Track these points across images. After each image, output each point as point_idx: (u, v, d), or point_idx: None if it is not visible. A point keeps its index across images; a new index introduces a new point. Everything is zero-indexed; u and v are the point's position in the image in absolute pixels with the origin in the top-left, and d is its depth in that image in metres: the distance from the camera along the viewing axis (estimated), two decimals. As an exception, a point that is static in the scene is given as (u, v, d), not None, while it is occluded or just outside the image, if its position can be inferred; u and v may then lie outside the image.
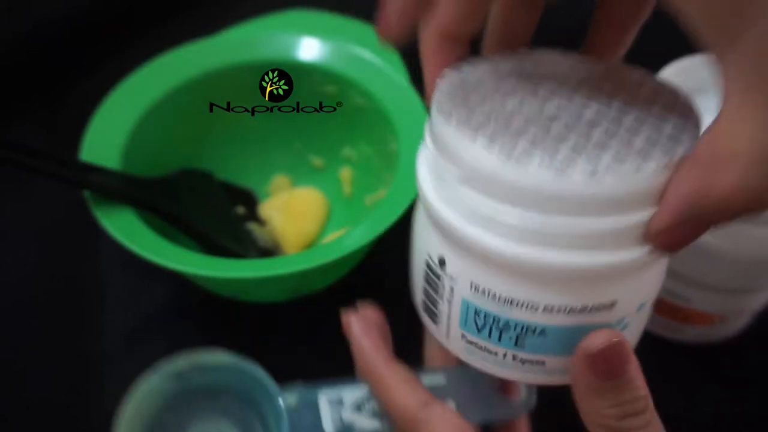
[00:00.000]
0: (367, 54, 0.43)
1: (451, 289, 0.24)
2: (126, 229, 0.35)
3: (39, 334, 0.41)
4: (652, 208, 0.20)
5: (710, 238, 0.34)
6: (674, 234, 0.19)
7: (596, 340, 0.21)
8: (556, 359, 0.24)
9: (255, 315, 0.41)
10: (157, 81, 0.42)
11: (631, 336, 0.24)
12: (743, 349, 0.40)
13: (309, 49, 0.43)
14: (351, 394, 0.28)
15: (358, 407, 0.27)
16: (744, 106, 0.17)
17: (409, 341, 0.33)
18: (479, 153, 0.20)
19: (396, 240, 0.35)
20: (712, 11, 0.16)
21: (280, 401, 0.27)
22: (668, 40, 0.36)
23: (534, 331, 0.23)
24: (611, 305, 0.22)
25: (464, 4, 0.22)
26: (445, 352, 0.27)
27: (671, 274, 0.37)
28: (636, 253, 0.21)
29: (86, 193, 0.36)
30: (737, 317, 0.39)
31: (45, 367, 0.40)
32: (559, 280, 0.22)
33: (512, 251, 0.21)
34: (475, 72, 0.24)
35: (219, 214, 0.43)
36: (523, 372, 0.25)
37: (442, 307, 0.25)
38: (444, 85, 0.23)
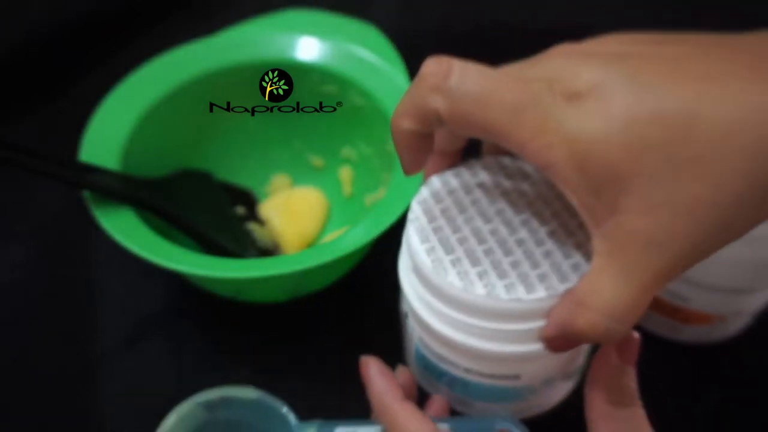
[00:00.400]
0: (366, 54, 0.43)
1: (411, 335, 0.32)
2: (125, 229, 0.35)
3: (39, 334, 0.41)
4: (540, 321, 0.27)
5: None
6: (555, 343, 0.26)
7: (632, 335, 0.28)
8: (479, 402, 0.31)
9: (255, 315, 0.41)
10: (157, 81, 0.42)
11: (541, 401, 0.32)
12: (742, 349, 0.40)
13: (308, 49, 0.43)
14: (365, 431, 0.30)
15: None
16: (602, 272, 0.23)
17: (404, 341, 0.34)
18: (421, 257, 0.28)
19: (395, 240, 0.35)
20: (587, 204, 0.23)
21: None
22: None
23: (458, 381, 0.30)
24: (516, 377, 0.30)
25: (451, 134, 0.29)
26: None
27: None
28: (531, 347, 0.28)
29: (86, 194, 0.36)
30: (736, 317, 0.39)
31: (45, 367, 0.40)
32: (472, 354, 0.29)
33: (438, 328, 0.29)
34: (454, 181, 0.31)
35: (218, 214, 0.43)
36: (458, 405, 0.33)
37: (407, 344, 0.34)
38: (424, 192, 0.30)
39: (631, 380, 0.28)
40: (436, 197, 0.30)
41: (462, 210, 0.30)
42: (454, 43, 0.56)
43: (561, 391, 0.34)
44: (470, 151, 0.32)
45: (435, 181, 0.31)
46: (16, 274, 0.44)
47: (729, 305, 0.38)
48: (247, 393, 0.32)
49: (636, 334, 0.28)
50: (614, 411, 0.27)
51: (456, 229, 0.29)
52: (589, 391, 0.28)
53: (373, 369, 0.30)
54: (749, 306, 0.38)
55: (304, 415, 0.31)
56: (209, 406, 0.31)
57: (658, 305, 0.39)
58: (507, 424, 0.30)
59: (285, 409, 0.31)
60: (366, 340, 0.40)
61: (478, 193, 0.30)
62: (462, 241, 0.28)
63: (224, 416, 0.32)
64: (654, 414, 0.30)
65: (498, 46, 0.45)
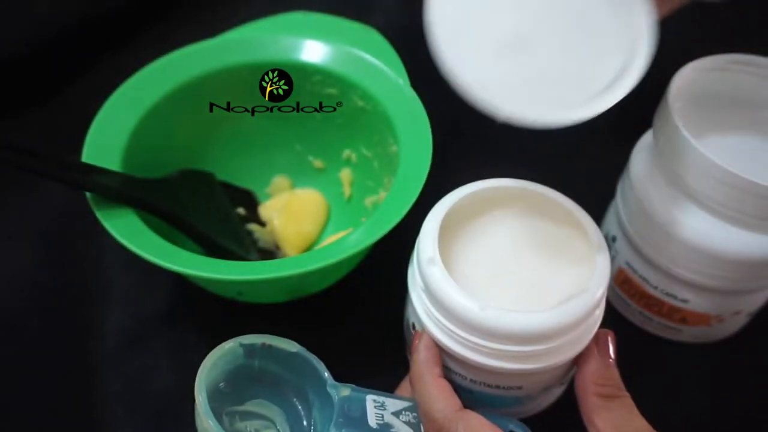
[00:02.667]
0: (367, 56, 0.43)
1: None
2: (127, 230, 0.35)
3: (39, 334, 0.41)
4: (547, 343, 0.29)
5: (709, 241, 0.35)
6: None
7: (607, 333, 0.32)
8: (481, 408, 0.32)
9: (255, 315, 0.41)
10: (158, 82, 0.42)
11: (537, 404, 0.35)
12: (741, 349, 0.41)
13: (310, 52, 0.44)
14: (392, 402, 0.33)
15: (397, 414, 0.32)
16: None
17: (403, 341, 0.34)
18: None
19: (395, 242, 0.36)
20: None
21: (336, 390, 0.32)
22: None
23: (465, 390, 0.32)
24: (519, 388, 0.32)
25: None
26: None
27: (670, 276, 0.37)
28: (536, 365, 0.30)
29: (88, 194, 0.36)
30: (735, 318, 0.39)
31: (45, 367, 0.40)
32: (479, 369, 0.31)
33: (446, 344, 0.31)
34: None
35: (219, 215, 0.43)
36: None
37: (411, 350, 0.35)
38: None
39: (613, 373, 0.30)
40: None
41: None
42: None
43: (555, 395, 0.35)
44: (477, 154, 0.32)
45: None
46: (18, 275, 0.44)
47: (727, 306, 0.38)
48: (289, 345, 0.33)
49: (609, 331, 0.31)
50: (605, 403, 0.30)
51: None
52: (579, 390, 0.31)
53: (424, 341, 0.32)
54: (747, 306, 0.39)
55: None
56: (249, 350, 0.32)
57: (657, 307, 0.39)
58: (517, 429, 0.32)
59: (323, 366, 0.33)
60: (365, 341, 0.41)
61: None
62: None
63: (259, 365, 0.33)
64: (654, 413, 0.30)
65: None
